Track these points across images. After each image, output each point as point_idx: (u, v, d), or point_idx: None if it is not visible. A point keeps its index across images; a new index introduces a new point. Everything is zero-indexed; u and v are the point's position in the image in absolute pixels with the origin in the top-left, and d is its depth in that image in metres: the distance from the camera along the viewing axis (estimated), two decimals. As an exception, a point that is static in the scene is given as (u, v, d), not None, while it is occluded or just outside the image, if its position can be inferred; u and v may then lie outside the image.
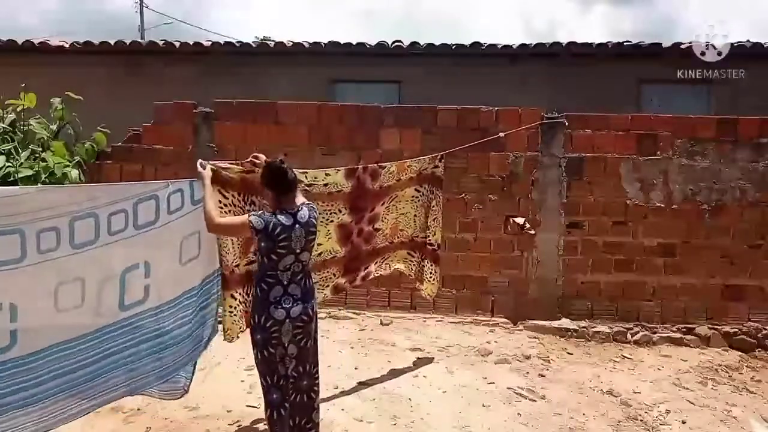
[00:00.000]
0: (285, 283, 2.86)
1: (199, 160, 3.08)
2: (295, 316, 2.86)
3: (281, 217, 2.81)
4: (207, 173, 2.99)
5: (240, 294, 3.31)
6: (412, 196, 4.30)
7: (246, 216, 2.85)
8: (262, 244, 2.83)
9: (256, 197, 3.26)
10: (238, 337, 3.34)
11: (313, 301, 3.00)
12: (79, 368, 2.51)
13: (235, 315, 3.29)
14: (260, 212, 2.89)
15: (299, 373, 2.99)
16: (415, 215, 4.39)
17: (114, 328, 2.62)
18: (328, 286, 3.92)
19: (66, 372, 2.46)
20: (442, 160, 4.45)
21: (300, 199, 3.00)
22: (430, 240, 4.51)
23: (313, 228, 2.94)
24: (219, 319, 3.25)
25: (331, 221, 3.76)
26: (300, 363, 2.98)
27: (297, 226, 2.83)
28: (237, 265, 3.25)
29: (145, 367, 2.75)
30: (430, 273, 4.59)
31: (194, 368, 2.96)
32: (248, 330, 3.05)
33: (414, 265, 4.60)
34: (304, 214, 2.90)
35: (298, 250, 2.86)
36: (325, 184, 3.64)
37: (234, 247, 3.20)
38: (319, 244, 3.69)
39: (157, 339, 2.77)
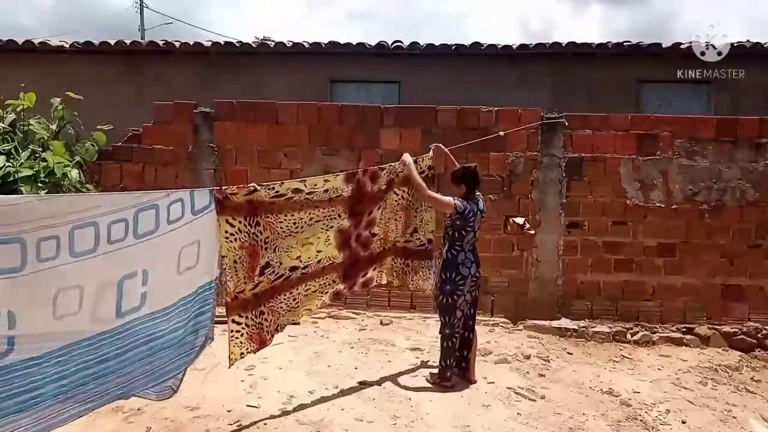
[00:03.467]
0: (466, 250, 3.98)
1: (405, 154, 4.07)
2: (473, 273, 3.99)
3: (473, 205, 3.94)
4: (410, 159, 4.01)
5: (247, 317, 3.32)
6: (395, 201, 4.17)
7: (451, 198, 3.90)
8: (458, 222, 3.92)
9: (260, 217, 3.28)
10: (242, 356, 3.35)
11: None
12: (75, 372, 2.51)
13: (238, 339, 3.29)
14: (460, 199, 3.90)
15: (469, 315, 4.10)
16: (396, 220, 4.23)
17: (110, 334, 2.62)
18: (326, 292, 3.84)
19: (62, 377, 2.46)
20: (428, 156, 4.28)
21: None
22: (420, 239, 4.33)
23: (484, 213, 4.08)
24: (214, 326, 3.24)
25: (331, 227, 3.68)
26: (472, 307, 4.13)
27: (478, 212, 3.98)
28: (242, 291, 3.27)
29: (136, 371, 2.75)
30: (423, 271, 4.38)
31: (184, 373, 2.97)
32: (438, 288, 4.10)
33: (406, 272, 4.39)
34: (481, 204, 4.02)
35: (477, 228, 4.00)
36: (326, 190, 3.56)
37: (238, 273, 3.21)
38: (318, 251, 3.66)
39: (148, 344, 2.77)
